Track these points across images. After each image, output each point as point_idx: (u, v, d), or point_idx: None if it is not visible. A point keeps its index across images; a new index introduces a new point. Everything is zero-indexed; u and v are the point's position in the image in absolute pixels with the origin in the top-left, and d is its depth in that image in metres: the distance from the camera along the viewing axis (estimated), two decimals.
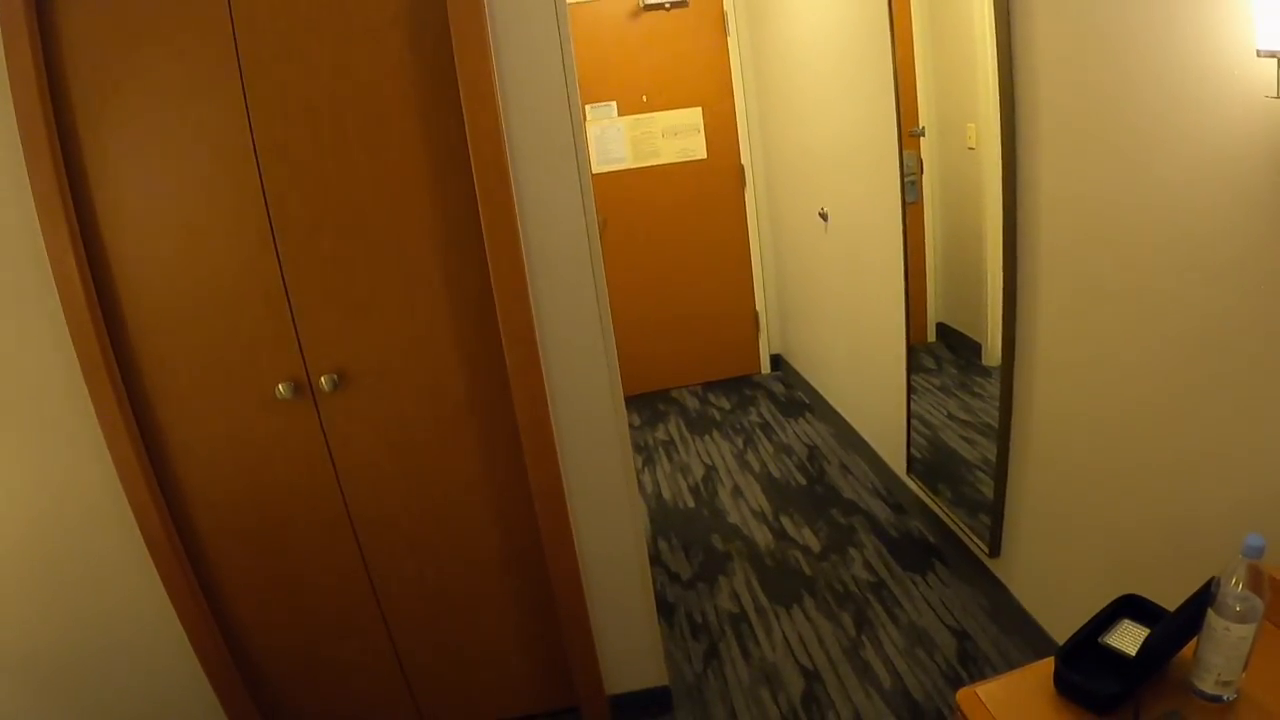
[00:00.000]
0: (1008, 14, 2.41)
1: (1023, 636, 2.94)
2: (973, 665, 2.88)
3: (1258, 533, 1.37)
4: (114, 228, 2.21)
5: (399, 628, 2.73)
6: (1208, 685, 1.45)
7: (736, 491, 4.41)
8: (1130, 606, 1.68)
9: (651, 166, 5.51)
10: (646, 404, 5.82)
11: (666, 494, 4.48)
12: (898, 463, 3.99)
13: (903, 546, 3.67)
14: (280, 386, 2.36)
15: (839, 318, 4.67)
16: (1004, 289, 2.64)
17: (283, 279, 2.29)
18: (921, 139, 3.23)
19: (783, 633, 3.22)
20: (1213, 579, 1.43)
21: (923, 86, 3.18)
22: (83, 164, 2.15)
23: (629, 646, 2.77)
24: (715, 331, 5.94)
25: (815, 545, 3.79)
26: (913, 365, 3.61)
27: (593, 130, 5.34)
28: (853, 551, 3.69)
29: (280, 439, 2.45)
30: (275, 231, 2.25)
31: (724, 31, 5.33)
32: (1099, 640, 1.61)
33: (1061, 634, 2.69)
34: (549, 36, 2.14)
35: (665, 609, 3.46)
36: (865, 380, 4.40)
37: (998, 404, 2.83)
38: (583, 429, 2.48)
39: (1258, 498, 1.82)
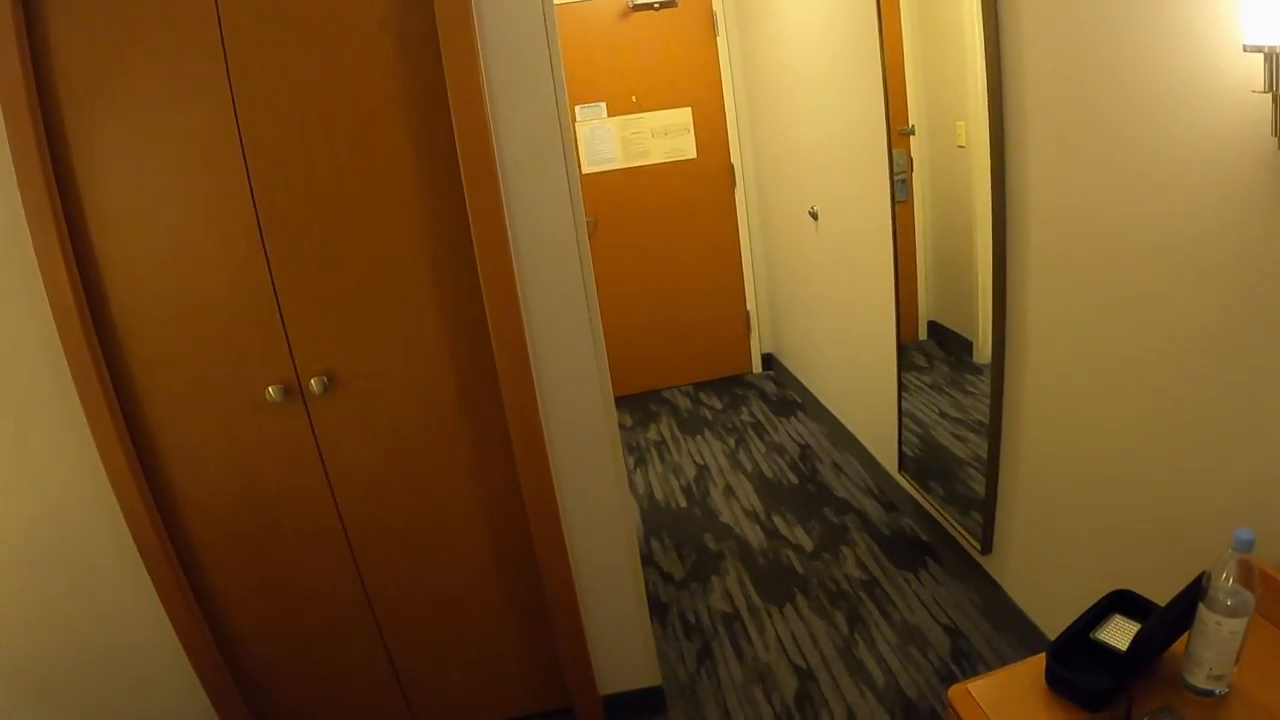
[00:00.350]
0: (996, 12, 2.41)
1: (1015, 633, 2.94)
2: (966, 662, 2.88)
3: (1247, 527, 1.37)
4: (103, 230, 2.20)
5: (391, 630, 2.73)
6: (1199, 680, 1.45)
7: (729, 491, 4.41)
8: (1122, 602, 1.68)
9: (641, 167, 5.50)
10: (638, 404, 5.82)
11: (658, 494, 4.48)
12: (889, 461, 4.00)
13: (895, 544, 3.68)
14: (270, 389, 2.35)
15: (830, 317, 4.68)
16: (994, 286, 2.65)
17: (272, 281, 2.29)
18: (911, 137, 3.23)
19: (775, 632, 3.22)
20: (1203, 573, 1.43)
21: (912, 85, 3.19)
22: (71, 166, 2.14)
23: (622, 647, 2.76)
24: (706, 331, 5.94)
25: (808, 544, 3.79)
26: (904, 363, 3.61)
27: (582, 131, 5.33)
28: (845, 550, 3.70)
29: (271, 442, 2.44)
30: (264, 234, 2.25)
31: (713, 31, 5.33)
32: (1091, 636, 1.61)
33: (1053, 630, 2.70)
34: (537, 38, 2.13)
35: (658, 609, 3.46)
36: (857, 379, 4.40)
37: (989, 401, 2.84)
38: (573, 430, 2.48)
39: (1247, 492, 1.83)
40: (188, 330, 2.31)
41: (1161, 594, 1.62)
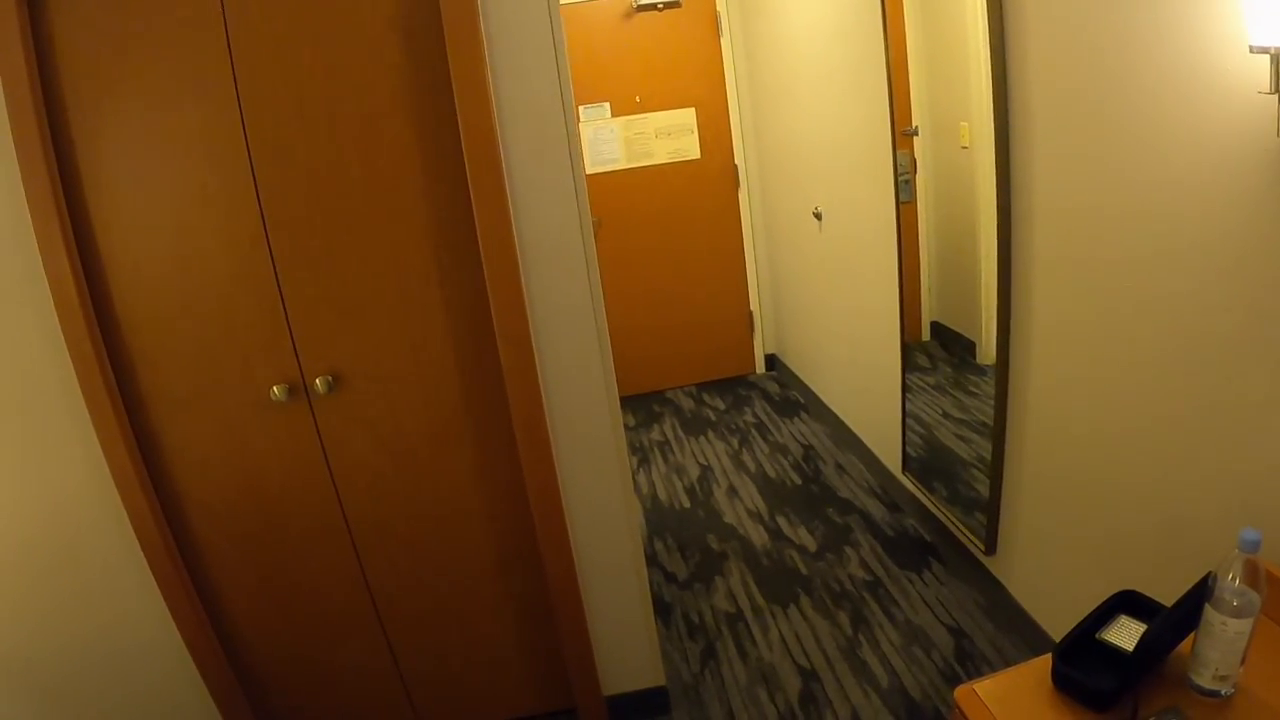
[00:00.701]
0: (1000, 13, 2.41)
1: (1019, 634, 2.94)
2: (970, 663, 2.88)
3: (1254, 527, 1.37)
4: (107, 229, 2.20)
5: (395, 630, 2.73)
6: (1205, 680, 1.45)
7: (732, 491, 4.40)
8: (1127, 602, 1.68)
9: (645, 167, 5.51)
10: (641, 405, 5.82)
11: (662, 494, 4.48)
12: (893, 461, 4.00)
13: (899, 545, 3.67)
14: (275, 388, 2.35)
15: (834, 317, 4.68)
16: (999, 287, 2.65)
17: (276, 280, 2.29)
18: (915, 138, 3.23)
19: (779, 632, 3.22)
20: (1209, 574, 1.43)
21: (916, 86, 3.19)
22: (76, 164, 2.14)
23: (626, 647, 2.76)
24: (710, 332, 5.95)
25: (811, 545, 3.79)
26: (907, 364, 3.61)
27: (586, 131, 5.33)
28: (849, 550, 3.69)
29: (275, 441, 2.44)
30: (269, 233, 2.25)
31: (717, 32, 5.33)
32: (1097, 636, 1.61)
33: (1058, 631, 2.70)
34: (543, 38, 2.13)
35: (662, 609, 3.46)
36: (860, 379, 4.40)
37: (992, 402, 2.83)
38: (578, 430, 2.48)
39: (1254, 492, 1.83)
40: (192, 329, 2.31)
41: (1167, 595, 1.63)
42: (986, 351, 2.89)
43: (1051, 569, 2.73)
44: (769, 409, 5.48)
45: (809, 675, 2.96)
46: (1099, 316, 2.25)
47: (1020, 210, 2.51)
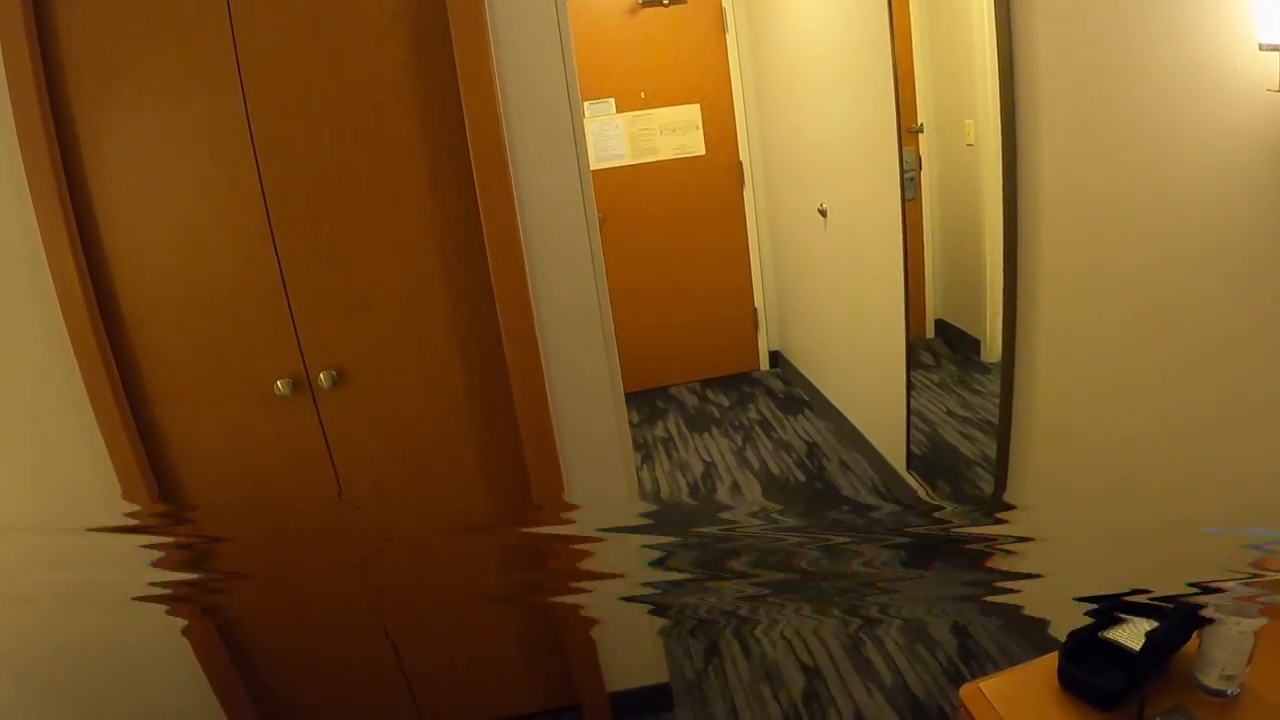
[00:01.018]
0: (1007, 10, 2.40)
1: (1023, 633, 2.93)
2: (973, 662, 2.88)
3: (1261, 527, 1.36)
4: (111, 224, 2.20)
5: (398, 627, 2.72)
6: (1212, 680, 1.45)
7: (736, 489, 4.40)
8: (1134, 602, 1.68)
9: (650, 163, 5.50)
10: (645, 401, 5.81)
11: (665, 491, 4.48)
12: (897, 459, 3.99)
13: (903, 543, 3.66)
14: (279, 383, 2.35)
15: (838, 314, 4.67)
16: (1005, 285, 2.64)
17: (281, 275, 2.28)
18: (920, 135, 3.23)
19: (783, 630, 3.21)
20: None
21: (921, 83, 3.18)
22: (80, 160, 2.14)
23: (629, 644, 2.76)
24: (714, 328, 5.94)
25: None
26: (911, 361, 3.60)
27: (591, 127, 5.32)
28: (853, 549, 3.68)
29: (279, 437, 2.44)
30: (273, 227, 2.24)
31: (722, 28, 5.32)
32: (1103, 635, 1.61)
33: (1061, 630, 2.69)
34: (549, 33, 2.13)
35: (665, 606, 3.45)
36: (864, 377, 4.39)
37: (996, 400, 2.83)
38: (583, 427, 2.47)
39: (1261, 492, 1.82)
40: (196, 323, 2.30)
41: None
42: (991, 349, 2.88)
43: (1056, 568, 2.72)
44: (773, 406, 5.48)
45: (812, 673, 2.96)
46: (1105, 315, 2.24)
47: (1026, 208, 2.51)
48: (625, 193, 5.50)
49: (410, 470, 2.52)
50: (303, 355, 2.35)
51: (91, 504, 2.39)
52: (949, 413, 3.34)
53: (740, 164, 5.59)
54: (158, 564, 2.35)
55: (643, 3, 5.15)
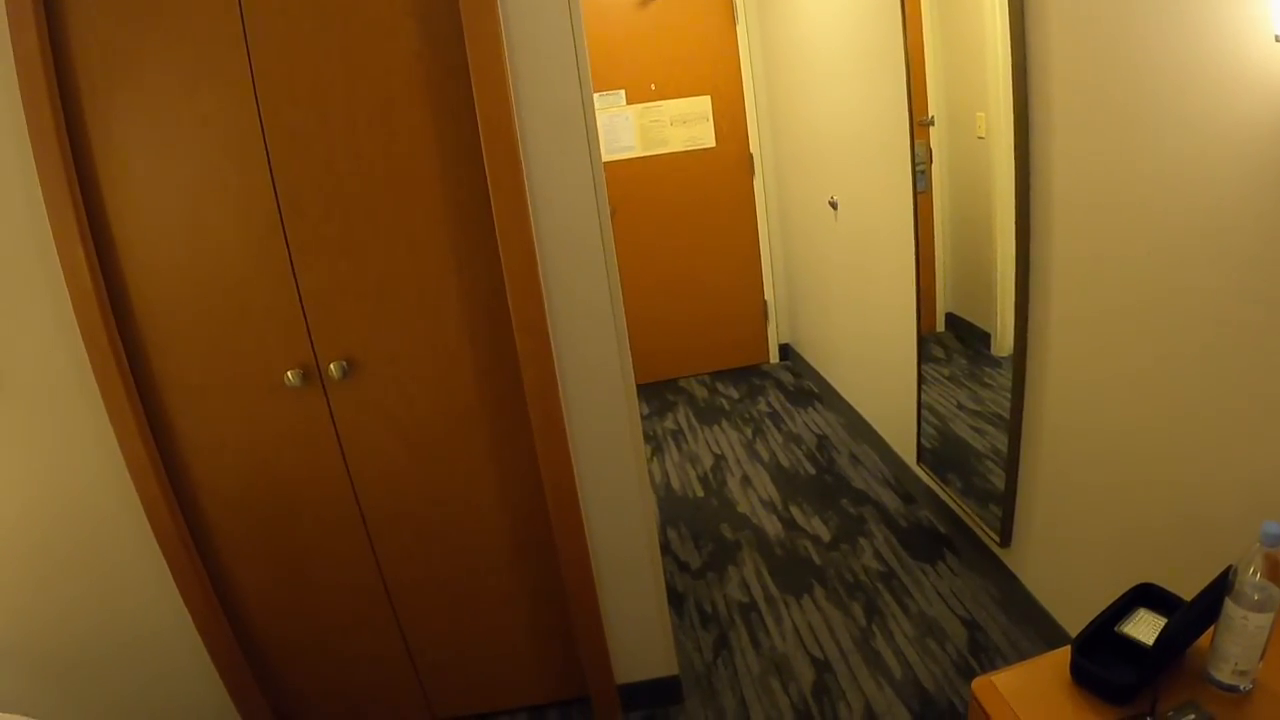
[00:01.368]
0: (1020, 2, 2.39)
1: (1034, 627, 2.93)
2: (984, 655, 2.87)
3: (1276, 521, 1.36)
4: (121, 217, 2.20)
5: (409, 618, 2.73)
6: (1225, 675, 1.44)
7: (745, 481, 4.40)
8: (1146, 596, 1.67)
9: (660, 155, 5.50)
10: (655, 393, 5.81)
11: (675, 483, 4.48)
12: (908, 452, 3.98)
13: (913, 536, 3.67)
14: (289, 374, 2.35)
15: (848, 307, 4.66)
16: (1017, 279, 2.63)
17: (291, 265, 2.29)
18: (931, 128, 3.22)
19: (793, 622, 3.21)
20: (1230, 567, 1.42)
21: (932, 75, 3.17)
22: (90, 153, 2.14)
23: (639, 636, 2.76)
24: (724, 321, 5.94)
25: (825, 535, 3.78)
26: (922, 355, 3.60)
27: (601, 119, 5.32)
28: (863, 541, 3.69)
29: (289, 428, 2.44)
30: (284, 218, 2.24)
31: (732, 19, 5.32)
32: (1115, 629, 1.60)
33: (1073, 624, 2.69)
34: (561, 25, 2.12)
35: (675, 599, 3.46)
36: (875, 370, 4.38)
37: (1007, 394, 2.82)
38: (594, 418, 2.47)
39: (1275, 486, 1.81)
40: (207, 315, 2.31)
41: (1186, 588, 1.62)
42: (1002, 343, 2.87)
43: (1067, 562, 2.72)
44: (783, 398, 5.48)
45: (822, 666, 2.96)
46: (1118, 309, 2.24)
47: (1039, 201, 2.50)
48: (636, 185, 5.50)
49: (421, 460, 2.52)
50: (313, 346, 2.36)
51: (102, 495, 2.39)
52: (959, 406, 3.34)
53: (751, 156, 5.59)
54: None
55: None
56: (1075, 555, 2.66)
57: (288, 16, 2.10)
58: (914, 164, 3.33)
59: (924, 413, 3.67)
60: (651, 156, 5.49)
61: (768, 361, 6.11)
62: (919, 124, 3.26)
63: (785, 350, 6.08)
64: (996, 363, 2.98)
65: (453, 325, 2.38)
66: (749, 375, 5.96)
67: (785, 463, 4.55)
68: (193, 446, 2.44)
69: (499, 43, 2.09)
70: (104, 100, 2.12)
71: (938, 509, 3.71)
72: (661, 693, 2.86)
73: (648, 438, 5.09)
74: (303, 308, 2.32)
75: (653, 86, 5.34)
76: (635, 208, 5.54)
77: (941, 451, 3.57)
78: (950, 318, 3.41)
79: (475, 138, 2.19)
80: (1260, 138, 1.67)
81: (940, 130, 3.18)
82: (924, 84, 3.21)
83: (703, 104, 5.42)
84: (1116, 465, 2.37)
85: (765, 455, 4.68)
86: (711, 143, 5.51)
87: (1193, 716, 1.38)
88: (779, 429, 5.01)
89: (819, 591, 3.38)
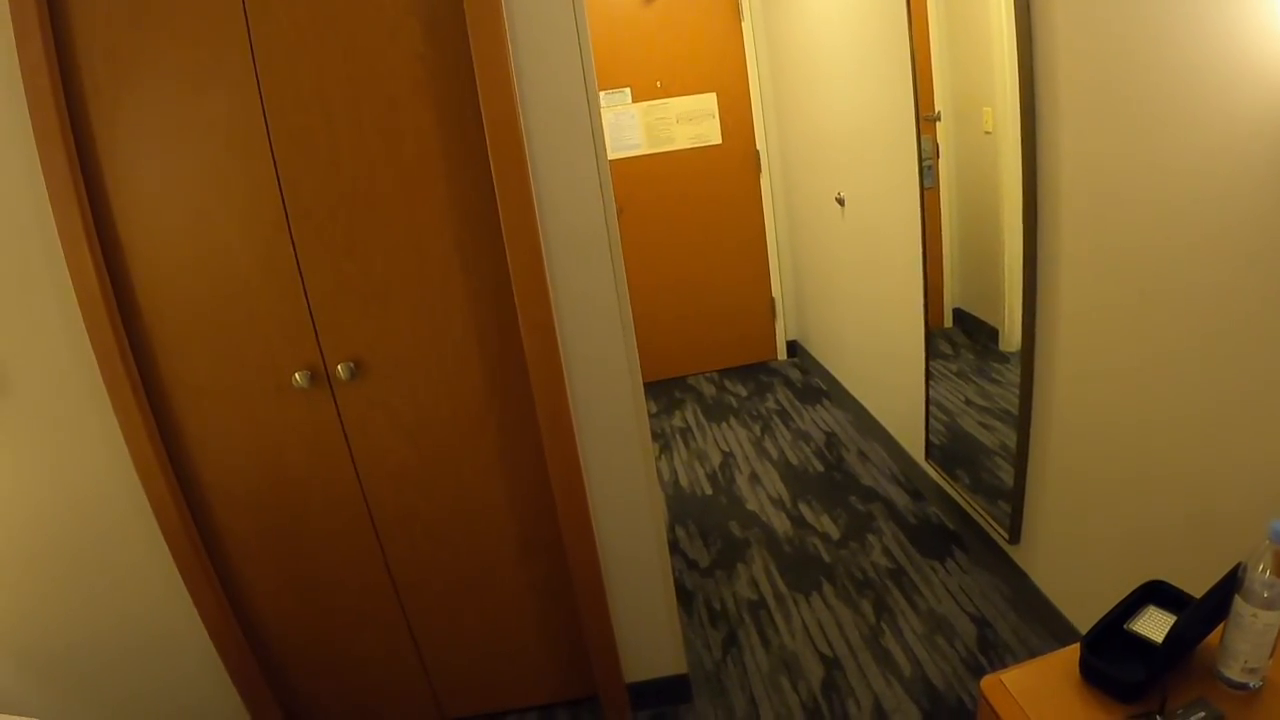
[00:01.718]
0: None
1: (1043, 624, 2.93)
2: (993, 653, 2.87)
3: None
4: (127, 219, 2.21)
5: (417, 618, 2.73)
6: (1234, 672, 1.44)
7: (754, 478, 4.40)
8: (1155, 593, 1.67)
9: (666, 153, 5.50)
10: (663, 391, 5.81)
11: (684, 481, 4.48)
12: (916, 449, 3.98)
13: (922, 533, 3.66)
14: (296, 375, 2.35)
15: (856, 303, 4.65)
16: (1024, 274, 2.62)
17: (298, 267, 2.29)
18: (938, 123, 3.21)
19: (802, 620, 3.21)
20: (1239, 564, 1.41)
21: (938, 70, 3.16)
22: (95, 154, 2.15)
23: (648, 635, 2.76)
24: (731, 318, 5.94)
25: (834, 532, 3.78)
26: (930, 351, 3.59)
27: (607, 117, 5.31)
28: (871, 538, 3.68)
29: (297, 429, 2.45)
30: (290, 219, 2.25)
31: (738, 16, 5.31)
32: (1125, 627, 1.60)
33: (1082, 621, 2.68)
34: (565, 23, 2.12)
35: (684, 597, 3.46)
36: (883, 366, 4.38)
37: (1016, 390, 2.82)
38: (602, 416, 2.47)
39: None
40: (214, 316, 2.31)
41: (1195, 586, 1.61)
42: (1010, 338, 2.87)
43: (1076, 559, 2.71)
44: (791, 395, 5.47)
45: (831, 663, 2.95)
46: (1127, 304, 2.23)
47: (1046, 196, 2.49)
48: (642, 182, 5.50)
49: (429, 460, 2.52)
50: (320, 347, 2.36)
51: (111, 497, 2.40)
52: (968, 402, 3.33)
53: (757, 153, 5.58)
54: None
55: None
56: (1084, 552, 2.65)
57: (292, 18, 2.10)
58: (921, 159, 3.32)
59: (932, 409, 3.67)
60: (657, 154, 5.49)
61: (775, 358, 6.10)
62: (925, 119, 3.25)
63: (793, 347, 6.07)
64: (1005, 358, 2.97)
65: (459, 325, 2.38)
66: (757, 372, 5.96)
67: (794, 460, 4.55)
68: (201, 448, 2.44)
69: (503, 42, 2.08)
70: (109, 103, 2.12)
71: (946, 506, 3.70)
72: (670, 691, 2.85)
73: (656, 436, 5.09)
74: (309, 309, 2.32)
75: (658, 84, 5.34)
76: (642, 206, 5.54)
77: (950, 448, 3.57)
78: (958, 313, 3.40)
79: (480, 137, 2.19)
80: (1268, 132, 1.66)
81: (947, 125, 3.18)
82: (930, 79, 3.20)
83: (708, 101, 5.42)
84: (1126, 461, 2.36)
85: (774, 452, 4.68)
86: (718, 140, 5.51)
87: (1202, 714, 1.38)
88: (787, 426, 5.01)
89: (828, 589, 3.37)
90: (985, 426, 3.19)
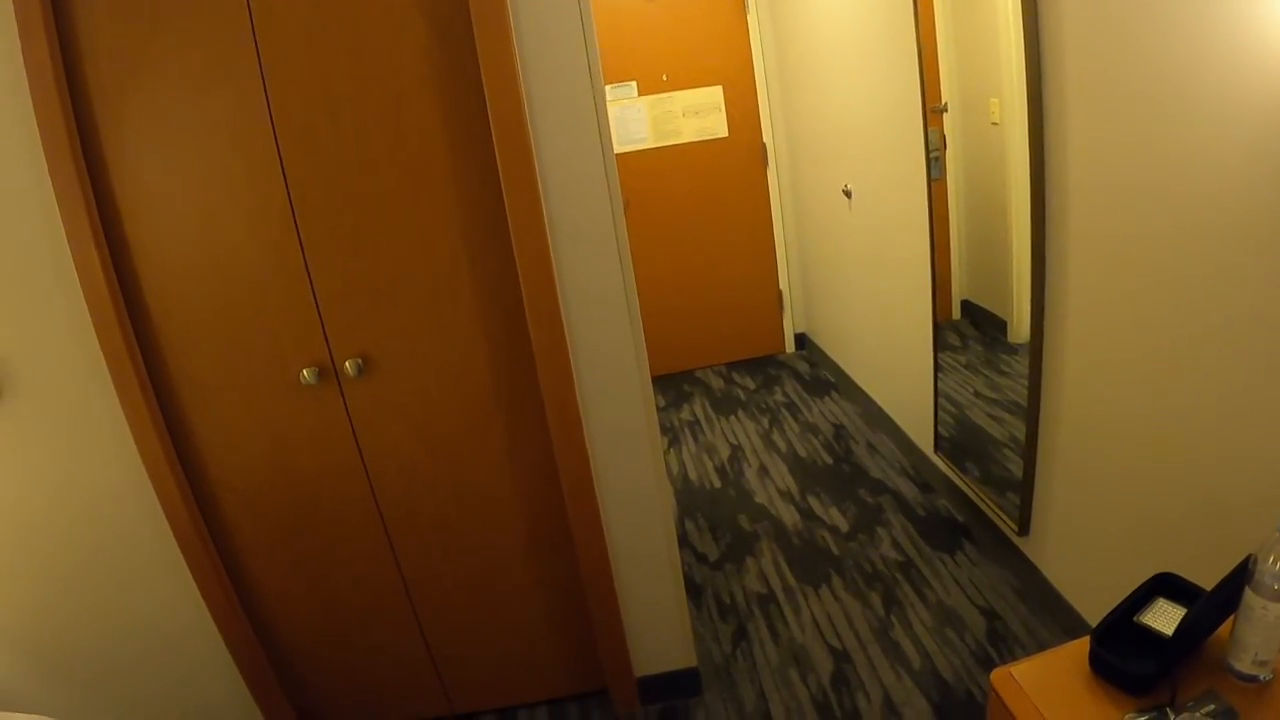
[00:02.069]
0: None
1: (1052, 616, 2.92)
2: (1002, 645, 2.86)
3: None
4: (134, 215, 2.21)
5: (427, 613, 2.74)
6: (1244, 665, 1.43)
7: (763, 471, 4.40)
8: (1165, 585, 1.66)
9: (673, 146, 5.49)
10: (671, 384, 5.81)
11: (693, 474, 4.48)
12: (925, 441, 3.97)
13: (931, 525, 3.66)
14: (304, 372, 2.36)
15: (864, 296, 4.65)
16: (1033, 266, 2.61)
17: (305, 264, 2.29)
18: (944, 115, 3.20)
19: (811, 613, 3.21)
20: (1250, 556, 1.41)
21: (945, 61, 3.15)
22: (101, 152, 2.15)
23: (657, 628, 2.76)
24: (739, 311, 5.93)
25: (843, 525, 3.77)
26: (938, 343, 3.58)
27: (613, 110, 5.31)
28: (881, 531, 3.68)
29: (305, 425, 2.45)
30: (297, 216, 2.25)
31: (743, 7, 5.30)
32: (1135, 619, 1.59)
33: (1092, 613, 2.68)
34: (570, 17, 2.11)
35: (693, 590, 3.46)
36: (891, 358, 4.37)
37: (1024, 381, 2.81)
38: (610, 410, 2.47)
39: None
40: (222, 315, 2.32)
41: (1205, 578, 1.60)
42: (1018, 330, 2.86)
43: (1086, 551, 2.70)
44: (799, 388, 5.47)
45: (841, 656, 2.95)
46: (1136, 295, 2.22)
47: (1054, 187, 2.48)
48: (648, 176, 5.49)
49: (437, 455, 2.52)
50: (328, 344, 2.36)
51: (120, 495, 2.41)
52: (976, 394, 3.32)
53: (764, 145, 5.57)
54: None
55: None
56: (1094, 544, 2.65)
57: (297, 16, 2.10)
58: (928, 151, 3.31)
59: (941, 401, 3.66)
60: (664, 147, 5.48)
61: (784, 351, 6.10)
62: (932, 111, 3.24)
63: (801, 340, 6.07)
64: (1013, 350, 2.96)
65: (467, 320, 2.38)
66: (765, 365, 5.95)
67: (802, 453, 4.54)
68: (209, 445, 2.45)
69: (508, 37, 2.08)
70: (115, 103, 2.12)
71: (956, 498, 3.70)
72: (680, 685, 2.86)
73: (665, 429, 5.10)
74: (317, 306, 2.33)
75: (664, 77, 5.33)
76: (648, 199, 5.54)
77: (959, 440, 3.56)
78: (966, 305, 3.39)
79: (486, 132, 2.19)
80: (1275, 120, 1.65)
81: (953, 117, 3.17)
82: (936, 70, 3.19)
83: (715, 94, 5.41)
84: (1135, 452, 2.35)
85: (782, 445, 4.67)
86: (724, 133, 5.50)
87: (1212, 707, 1.37)
88: (796, 419, 5.00)
89: (837, 582, 3.37)
90: (994, 418, 3.18)
